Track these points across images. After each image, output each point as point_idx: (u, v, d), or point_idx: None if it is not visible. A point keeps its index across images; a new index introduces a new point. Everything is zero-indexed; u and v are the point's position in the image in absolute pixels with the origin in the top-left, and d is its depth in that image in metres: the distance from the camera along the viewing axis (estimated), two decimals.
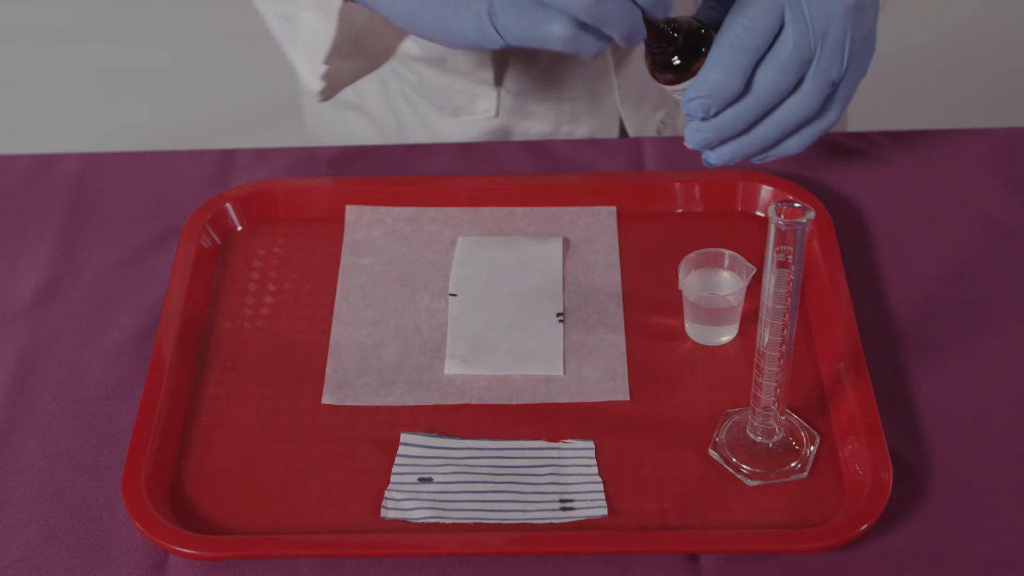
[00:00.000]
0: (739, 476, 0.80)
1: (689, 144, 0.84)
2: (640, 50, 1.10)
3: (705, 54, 0.82)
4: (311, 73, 0.93)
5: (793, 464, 0.81)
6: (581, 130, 1.15)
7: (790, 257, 0.74)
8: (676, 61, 0.82)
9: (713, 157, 0.85)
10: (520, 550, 0.77)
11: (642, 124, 1.14)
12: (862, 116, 1.39)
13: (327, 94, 0.96)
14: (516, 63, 1.12)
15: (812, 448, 0.82)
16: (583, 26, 0.76)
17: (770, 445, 0.81)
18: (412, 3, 0.81)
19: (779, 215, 0.73)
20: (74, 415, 0.86)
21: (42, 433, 0.85)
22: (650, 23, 0.79)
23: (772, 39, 0.82)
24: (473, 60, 1.11)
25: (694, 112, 0.82)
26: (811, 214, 0.73)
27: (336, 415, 0.85)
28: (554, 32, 0.76)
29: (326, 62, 0.91)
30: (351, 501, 0.80)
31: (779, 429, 0.81)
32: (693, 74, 0.82)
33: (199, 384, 0.86)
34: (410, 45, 1.12)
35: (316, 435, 0.84)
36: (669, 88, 0.83)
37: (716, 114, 0.83)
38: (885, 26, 1.24)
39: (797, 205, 0.73)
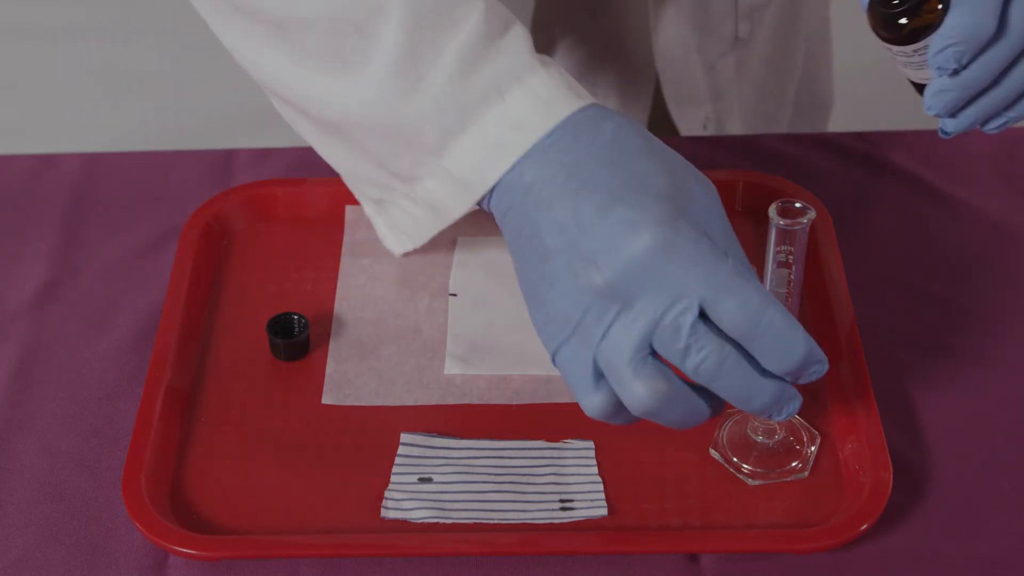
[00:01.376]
0: (740, 476, 0.80)
1: (933, 110, 0.77)
2: (674, 41, 1.10)
3: (939, 4, 0.75)
4: (393, 238, 0.85)
5: (794, 464, 0.81)
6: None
7: (791, 257, 0.74)
8: (906, 19, 0.76)
9: (952, 124, 0.78)
10: (520, 550, 0.77)
11: (691, 121, 1.14)
12: (862, 116, 1.39)
13: (406, 247, 0.86)
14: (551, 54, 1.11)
15: (813, 448, 0.82)
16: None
17: (771, 444, 0.81)
18: (516, 260, 0.76)
19: (780, 215, 0.73)
20: (74, 415, 0.86)
21: (42, 433, 0.85)
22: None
23: None
24: None
25: (946, 63, 0.74)
26: (812, 214, 0.73)
27: (336, 415, 0.85)
28: (589, 404, 0.74)
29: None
30: (351, 501, 0.80)
31: (780, 429, 0.81)
32: (931, 27, 0.75)
33: (199, 384, 0.86)
34: None
35: (316, 435, 0.83)
36: (903, 49, 0.77)
37: (968, 64, 0.75)
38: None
39: (798, 205, 0.73)
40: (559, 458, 0.82)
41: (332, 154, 0.83)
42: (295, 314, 0.88)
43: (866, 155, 1.00)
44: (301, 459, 0.82)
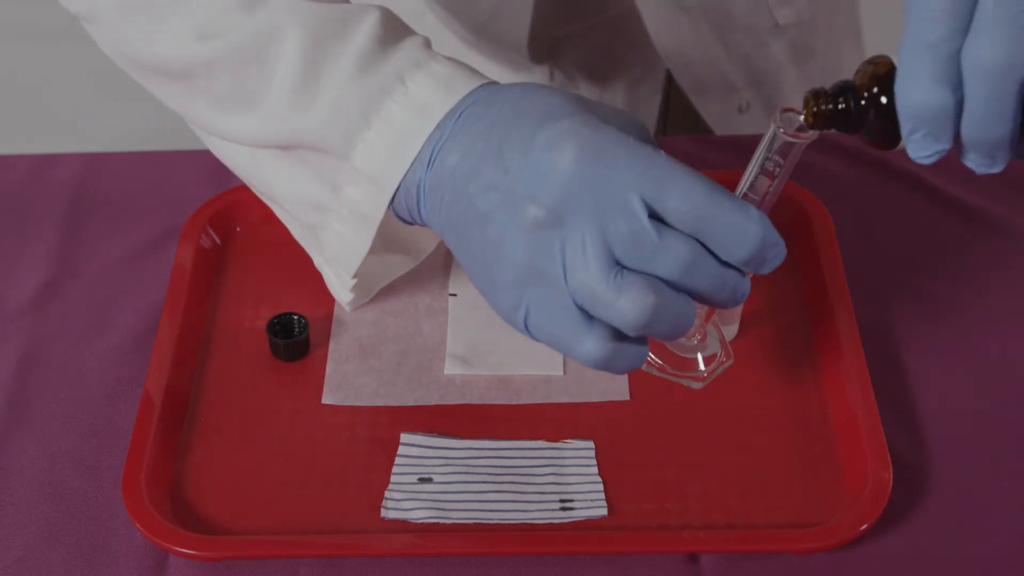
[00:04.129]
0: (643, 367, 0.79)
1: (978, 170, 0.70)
2: (687, 41, 1.10)
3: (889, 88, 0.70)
4: (339, 284, 0.84)
5: (693, 372, 0.80)
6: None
7: (778, 169, 0.72)
8: (871, 121, 0.71)
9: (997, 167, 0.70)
10: (520, 550, 0.77)
11: (719, 108, 1.13)
12: None
13: (357, 301, 0.87)
14: (555, 56, 1.11)
15: (725, 359, 0.81)
16: (624, 337, 0.69)
17: (686, 347, 0.80)
18: (461, 255, 0.73)
19: (782, 125, 0.71)
20: (74, 415, 0.86)
21: (42, 433, 0.85)
22: (815, 115, 0.71)
23: (969, 12, 0.66)
24: (505, 50, 1.10)
25: (922, 154, 0.69)
26: (815, 134, 0.70)
27: (336, 415, 0.85)
28: (585, 350, 0.69)
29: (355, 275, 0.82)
30: (351, 501, 0.80)
31: (698, 335, 0.80)
32: (887, 115, 0.70)
33: (199, 384, 0.86)
34: (439, 28, 1.10)
35: (316, 435, 0.83)
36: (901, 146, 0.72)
37: (953, 135, 0.68)
38: (884, 25, 1.24)
39: (801, 118, 0.71)
40: (559, 458, 0.82)
41: (272, 178, 0.82)
42: (295, 314, 0.88)
43: (866, 155, 1.00)
44: (301, 459, 0.82)
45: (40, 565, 0.78)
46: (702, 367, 0.81)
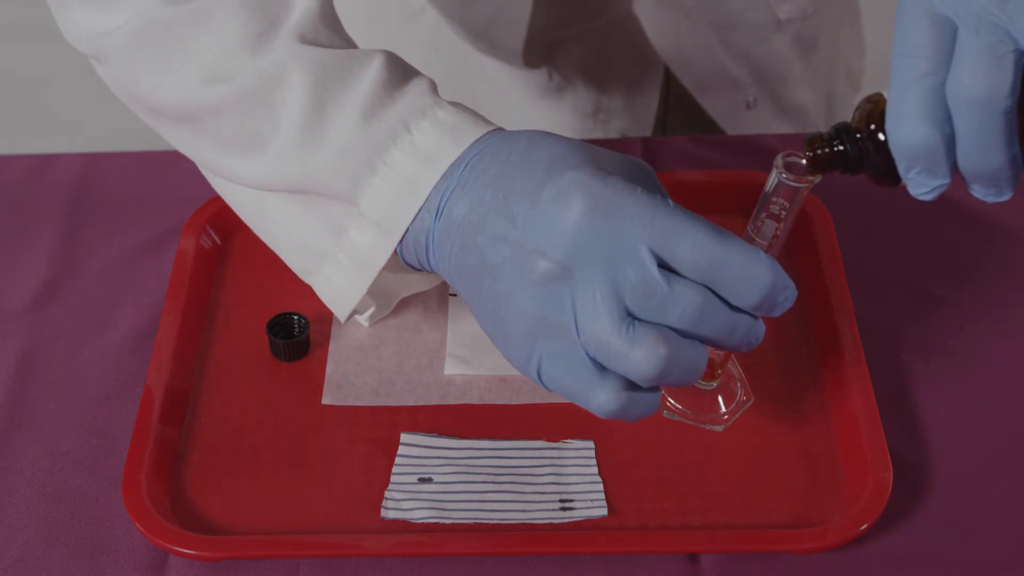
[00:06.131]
0: (662, 411, 0.81)
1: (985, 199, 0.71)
2: (687, 41, 1.10)
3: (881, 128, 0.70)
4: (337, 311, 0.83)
5: (713, 414, 0.81)
6: (613, 128, 1.15)
7: (784, 212, 0.73)
8: (871, 159, 0.72)
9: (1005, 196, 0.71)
10: (520, 550, 0.77)
11: (726, 105, 1.13)
12: None
13: (375, 316, 0.88)
14: (552, 58, 1.11)
15: (745, 399, 0.81)
16: (637, 386, 0.69)
17: (705, 388, 0.81)
18: (472, 304, 0.74)
19: (786, 169, 0.71)
20: (74, 415, 0.86)
21: (42, 433, 0.85)
22: (814, 159, 0.72)
23: (950, 46, 0.67)
24: (504, 49, 1.10)
25: (920, 191, 0.70)
26: (817, 178, 0.72)
27: (336, 415, 0.85)
28: (598, 402, 0.69)
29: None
30: (351, 501, 0.80)
31: (716, 375, 0.81)
32: (884, 154, 0.71)
33: (199, 384, 0.86)
34: (440, 25, 1.10)
35: (316, 435, 0.83)
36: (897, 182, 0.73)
37: (950, 168, 0.69)
38: (884, 26, 1.24)
39: (804, 161, 0.72)
40: (559, 458, 0.82)
41: (274, 219, 0.82)
42: (295, 314, 0.88)
43: None
44: (301, 459, 0.82)
45: (40, 565, 0.78)
46: (723, 409, 0.81)
